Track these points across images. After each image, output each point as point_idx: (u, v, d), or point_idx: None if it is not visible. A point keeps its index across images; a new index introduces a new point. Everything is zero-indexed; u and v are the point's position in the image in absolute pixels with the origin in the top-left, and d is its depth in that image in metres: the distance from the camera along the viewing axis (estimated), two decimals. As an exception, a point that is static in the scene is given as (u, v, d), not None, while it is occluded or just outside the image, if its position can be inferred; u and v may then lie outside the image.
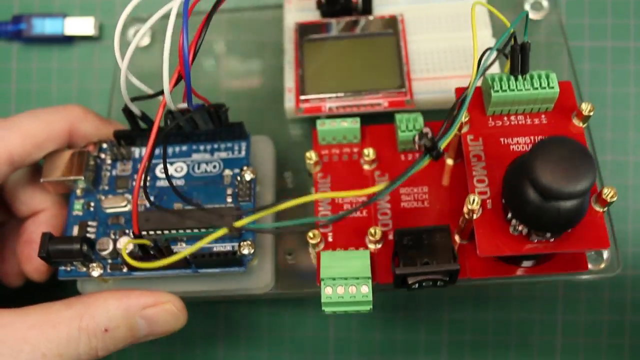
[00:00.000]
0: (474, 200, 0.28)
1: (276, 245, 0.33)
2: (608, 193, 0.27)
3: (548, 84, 0.29)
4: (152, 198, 0.31)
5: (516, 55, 0.29)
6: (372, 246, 0.31)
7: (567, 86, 0.31)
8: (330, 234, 0.31)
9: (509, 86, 0.29)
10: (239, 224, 0.25)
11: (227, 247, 0.31)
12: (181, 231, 0.30)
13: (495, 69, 0.35)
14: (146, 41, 0.40)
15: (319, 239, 0.30)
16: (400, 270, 0.28)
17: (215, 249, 0.31)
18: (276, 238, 0.33)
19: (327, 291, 0.29)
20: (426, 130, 0.25)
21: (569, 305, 0.36)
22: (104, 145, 0.34)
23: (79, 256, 0.30)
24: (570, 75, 0.37)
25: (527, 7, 0.39)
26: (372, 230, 0.30)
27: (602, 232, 0.27)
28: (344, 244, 0.31)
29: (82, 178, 0.32)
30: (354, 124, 0.33)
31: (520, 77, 0.29)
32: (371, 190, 0.25)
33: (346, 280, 0.29)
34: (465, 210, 0.28)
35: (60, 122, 0.32)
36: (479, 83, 0.28)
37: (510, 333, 0.36)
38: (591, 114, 0.29)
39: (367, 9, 0.36)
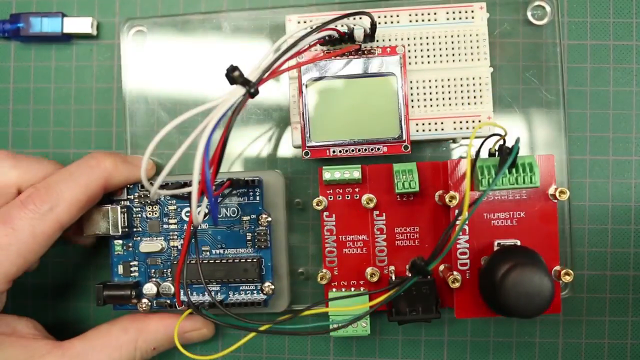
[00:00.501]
0: (455, 279, 0.34)
1: (290, 271, 0.39)
2: (567, 277, 0.33)
3: (531, 180, 0.32)
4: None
5: (506, 155, 0.32)
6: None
7: (549, 161, 0.34)
8: (336, 269, 0.37)
9: (495, 184, 0.32)
10: (263, 328, 0.31)
11: (252, 286, 0.37)
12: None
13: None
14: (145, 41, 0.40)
15: (327, 279, 0.37)
16: (392, 318, 0.36)
17: (244, 291, 0.37)
18: (290, 263, 0.39)
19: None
20: (418, 261, 0.30)
21: (570, 305, 0.39)
22: (130, 186, 0.38)
23: (130, 299, 0.37)
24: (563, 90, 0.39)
25: (529, 13, 0.38)
26: (370, 270, 0.37)
27: (557, 301, 0.34)
28: (347, 277, 0.37)
29: (120, 233, 0.36)
30: (355, 174, 0.36)
31: (507, 171, 0.32)
32: (374, 302, 0.31)
33: (350, 317, 0.36)
34: (447, 280, 0.34)
35: (97, 182, 0.35)
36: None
37: (511, 335, 0.39)
38: (564, 198, 0.33)
39: (370, 36, 0.36)
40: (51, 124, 0.41)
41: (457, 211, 0.34)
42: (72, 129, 0.41)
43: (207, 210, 0.31)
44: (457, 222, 0.31)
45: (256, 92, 0.30)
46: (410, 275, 0.31)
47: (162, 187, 0.33)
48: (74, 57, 0.41)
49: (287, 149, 0.40)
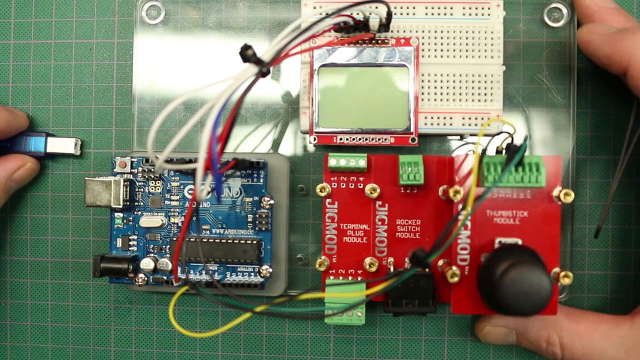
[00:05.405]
0: (453, 274, 0.34)
1: (289, 256, 0.39)
2: (566, 279, 0.33)
3: (536, 180, 0.32)
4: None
5: (513, 152, 0.32)
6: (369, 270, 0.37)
7: (556, 162, 0.34)
8: (335, 256, 0.37)
9: (501, 180, 0.32)
10: (259, 309, 0.31)
11: (250, 267, 0.37)
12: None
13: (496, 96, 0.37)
14: (159, 19, 0.40)
15: (326, 266, 0.37)
16: (388, 309, 0.36)
17: (241, 272, 0.37)
18: (289, 248, 0.39)
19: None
20: (419, 252, 0.30)
21: (570, 305, 0.39)
22: (134, 160, 0.37)
23: (126, 273, 0.37)
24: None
25: (545, 15, 0.38)
26: (369, 260, 0.37)
27: (554, 302, 0.34)
28: (346, 265, 0.37)
29: (121, 206, 0.36)
30: (361, 163, 0.36)
31: (513, 169, 0.32)
32: (371, 291, 0.31)
33: (346, 305, 0.36)
34: (446, 275, 0.34)
35: None
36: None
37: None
38: (569, 201, 0.33)
39: (385, 26, 0.36)
40: (50, 123, 0.41)
41: (460, 206, 0.33)
42: (71, 128, 0.41)
43: (210, 189, 0.31)
44: (460, 217, 0.31)
45: (268, 72, 0.30)
46: (409, 266, 0.31)
47: (167, 162, 0.33)
48: (73, 57, 0.41)
49: (294, 134, 0.39)
